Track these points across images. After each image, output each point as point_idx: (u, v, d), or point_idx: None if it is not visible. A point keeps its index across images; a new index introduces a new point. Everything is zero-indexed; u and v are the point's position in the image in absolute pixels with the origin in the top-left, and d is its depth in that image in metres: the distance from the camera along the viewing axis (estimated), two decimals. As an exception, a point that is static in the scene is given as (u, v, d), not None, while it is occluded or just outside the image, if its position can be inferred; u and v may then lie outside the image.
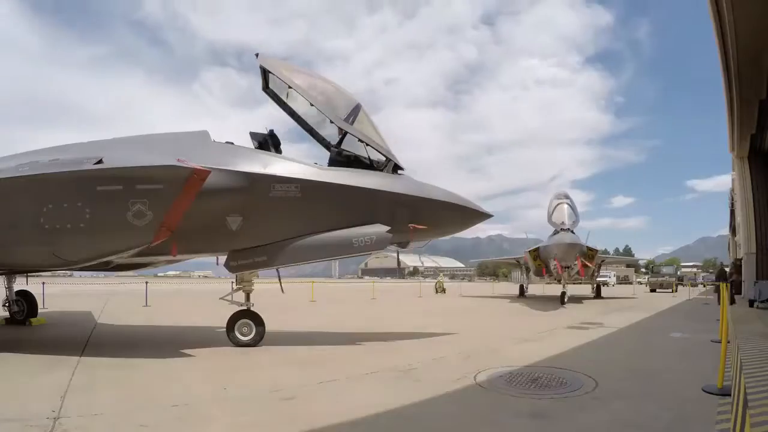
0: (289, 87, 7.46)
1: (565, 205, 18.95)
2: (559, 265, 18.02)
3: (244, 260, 7.16)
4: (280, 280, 8.58)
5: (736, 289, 20.86)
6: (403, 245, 8.01)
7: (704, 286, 44.24)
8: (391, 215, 7.29)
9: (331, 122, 7.47)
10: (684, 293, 29.14)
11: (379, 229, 7.18)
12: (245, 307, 7.53)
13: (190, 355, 6.59)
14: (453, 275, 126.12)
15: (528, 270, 23.92)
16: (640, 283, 53.47)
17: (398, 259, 9.63)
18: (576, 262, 18.24)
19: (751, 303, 16.07)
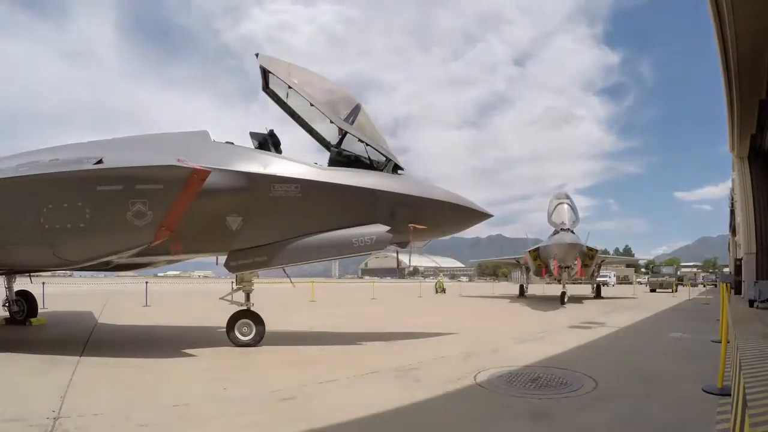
0: (289, 87, 7.46)
1: (565, 205, 18.95)
2: (558, 265, 18.02)
3: (244, 260, 7.16)
4: (289, 278, 8.71)
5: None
6: (403, 245, 8.01)
7: (704, 286, 44.25)
8: (391, 215, 7.29)
9: (331, 122, 7.47)
10: (684, 293, 29.14)
11: (379, 229, 7.18)
12: (245, 307, 7.53)
13: (190, 355, 6.59)
14: (453, 275, 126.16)
15: (528, 270, 23.94)
16: (640, 283, 53.47)
17: (398, 259, 9.62)
18: (576, 262, 18.25)
19: (751, 303, 16.06)
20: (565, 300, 17.77)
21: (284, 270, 7.96)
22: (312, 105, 7.35)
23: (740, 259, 24.88)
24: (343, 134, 7.66)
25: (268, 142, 7.59)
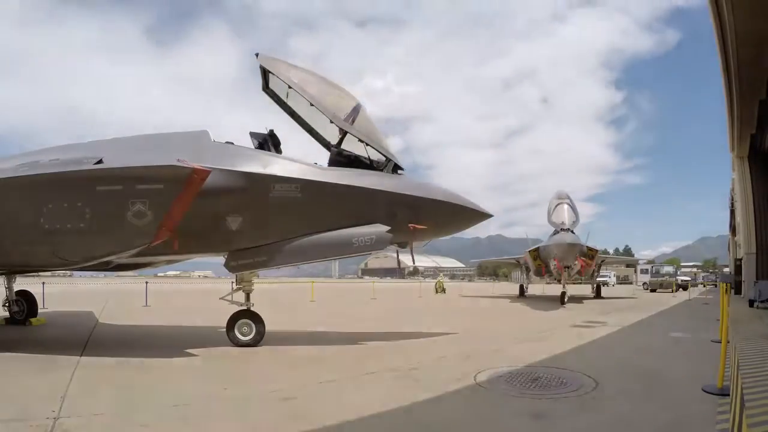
0: (289, 87, 7.46)
1: (565, 205, 18.94)
2: (559, 265, 18.03)
3: (244, 260, 7.16)
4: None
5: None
6: (403, 245, 8.01)
7: (704, 286, 44.23)
8: (391, 215, 7.28)
9: (331, 122, 7.46)
10: (684, 293, 29.12)
11: (379, 229, 7.17)
12: (245, 307, 7.53)
13: (190, 355, 6.59)
14: (453, 275, 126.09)
15: (528, 270, 23.94)
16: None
17: (398, 259, 9.61)
18: (576, 262, 18.25)
19: (751, 303, 16.03)
20: (565, 300, 17.77)
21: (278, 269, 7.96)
22: (312, 105, 7.35)
23: (740, 259, 24.84)
24: (343, 134, 7.66)
25: (268, 142, 7.59)
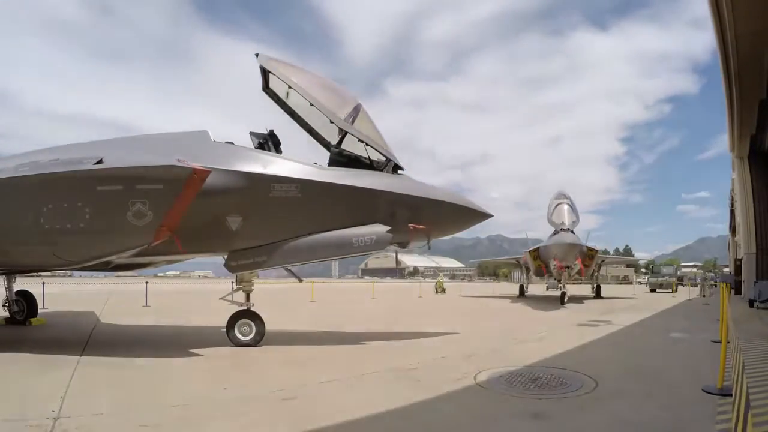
0: (289, 87, 7.45)
1: (565, 206, 18.92)
2: (559, 265, 18.03)
3: (244, 260, 7.16)
4: (296, 275, 8.90)
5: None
6: (403, 245, 8.01)
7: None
8: (391, 215, 7.29)
9: (331, 122, 7.46)
10: (684, 293, 29.12)
11: (379, 229, 7.17)
12: (245, 307, 7.53)
13: (190, 355, 6.59)
14: (453, 275, 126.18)
15: (528, 270, 23.95)
16: (640, 283, 53.59)
17: (397, 258, 9.63)
18: (576, 262, 18.25)
19: (751, 303, 16.04)
20: (565, 300, 17.77)
21: (290, 269, 7.98)
22: (312, 105, 7.35)
23: (740, 259, 24.83)
24: (343, 134, 7.66)
25: (268, 142, 7.59)
